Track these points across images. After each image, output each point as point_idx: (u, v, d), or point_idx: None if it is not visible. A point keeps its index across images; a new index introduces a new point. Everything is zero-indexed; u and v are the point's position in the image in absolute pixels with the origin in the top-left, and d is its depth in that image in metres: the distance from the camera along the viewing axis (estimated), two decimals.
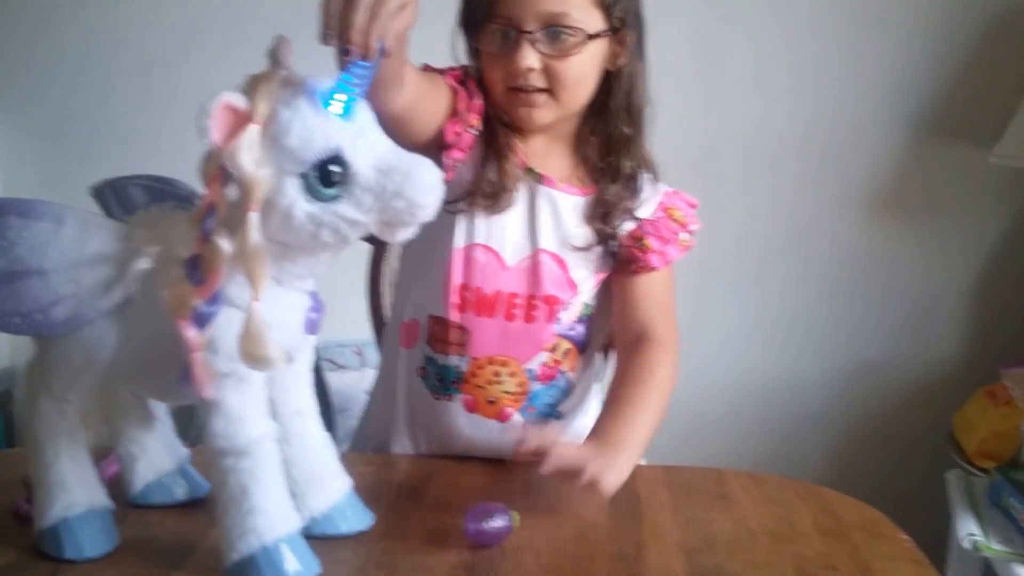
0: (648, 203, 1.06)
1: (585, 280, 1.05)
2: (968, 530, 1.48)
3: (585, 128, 1.05)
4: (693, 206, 1.08)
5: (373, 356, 1.95)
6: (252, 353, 0.70)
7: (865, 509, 0.94)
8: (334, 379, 1.79)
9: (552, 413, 1.07)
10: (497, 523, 0.84)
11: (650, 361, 1.01)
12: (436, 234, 1.02)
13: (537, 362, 1.04)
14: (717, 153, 1.92)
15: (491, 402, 1.04)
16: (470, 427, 1.05)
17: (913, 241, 1.97)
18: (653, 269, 1.05)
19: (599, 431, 0.95)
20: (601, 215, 1.03)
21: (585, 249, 1.03)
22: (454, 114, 1.00)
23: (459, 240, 1.03)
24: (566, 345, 1.05)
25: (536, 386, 1.05)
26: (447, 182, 1.02)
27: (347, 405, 1.74)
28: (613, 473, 0.88)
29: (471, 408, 1.05)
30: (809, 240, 1.99)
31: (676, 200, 1.07)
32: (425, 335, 1.06)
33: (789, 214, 1.97)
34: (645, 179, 1.07)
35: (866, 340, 2.02)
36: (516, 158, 1.03)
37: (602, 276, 1.06)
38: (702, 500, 0.96)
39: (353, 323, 1.44)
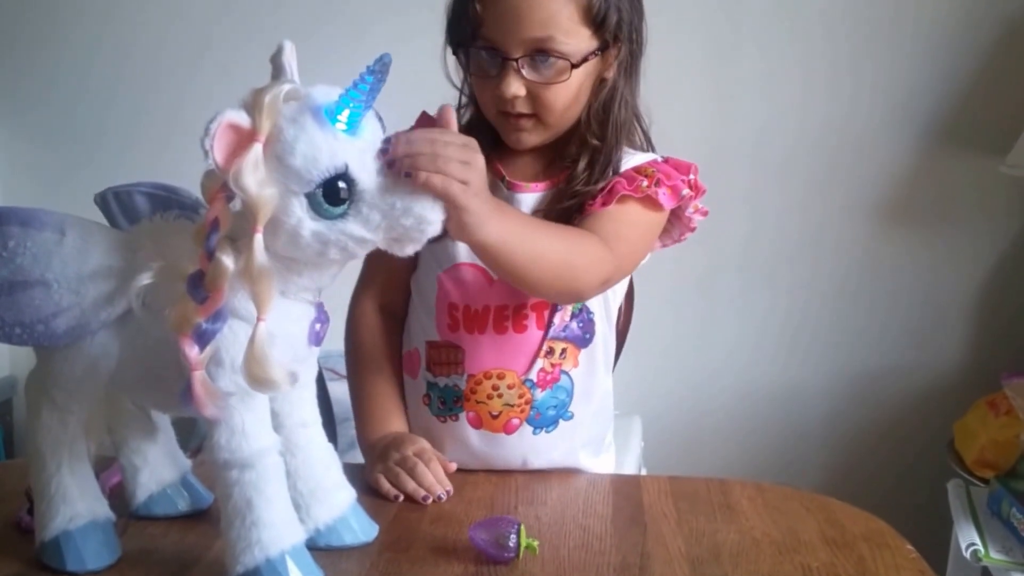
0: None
1: None
2: (968, 539, 1.48)
3: (571, 132, 1.03)
4: (685, 169, 1.02)
5: None
6: (257, 375, 0.70)
7: (870, 520, 0.94)
8: (335, 389, 1.77)
9: (562, 415, 1.06)
10: (507, 538, 0.83)
11: (587, 232, 0.95)
12: (425, 263, 1.06)
13: (535, 371, 1.03)
14: (725, 160, 1.92)
15: (495, 416, 1.04)
16: (480, 442, 1.05)
17: (917, 250, 1.98)
18: (586, 214, 0.98)
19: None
20: (557, 207, 1.00)
21: None
22: None
23: (443, 263, 1.04)
24: (561, 345, 1.04)
25: (538, 394, 1.04)
26: None
27: (348, 415, 1.73)
28: (460, 189, 0.75)
29: (476, 424, 1.05)
30: (814, 248, 1.99)
31: (660, 165, 1.01)
32: (424, 361, 1.07)
33: (796, 221, 1.98)
34: (627, 159, 1.02)
35: (869, 349, 2.02)
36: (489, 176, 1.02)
37: None
38: (707, 510, 0.95)
39: None
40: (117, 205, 0.83)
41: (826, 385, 2.05)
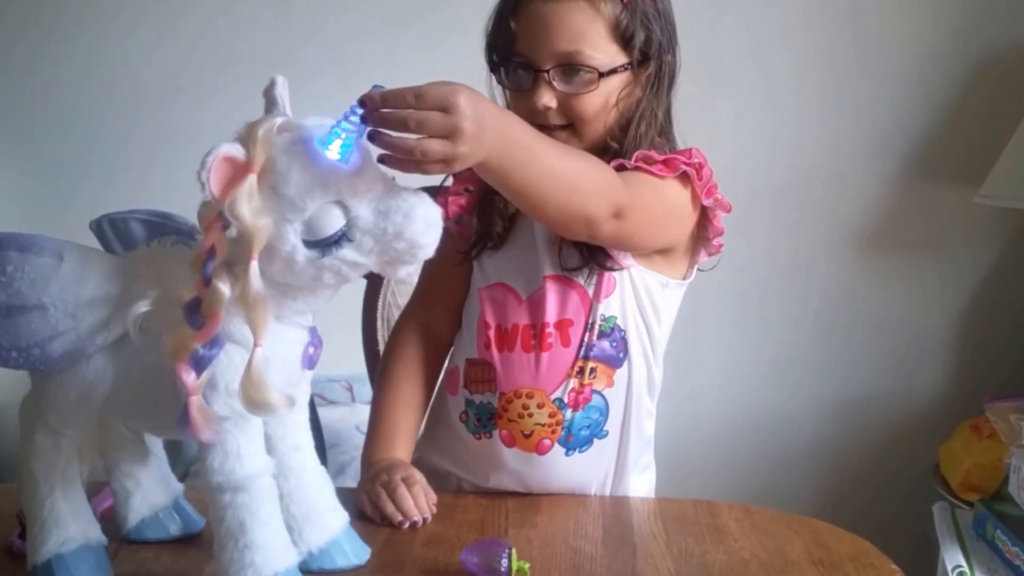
0: None
1: (592, 292, 1.03)
2: (955, 562, 1.49)
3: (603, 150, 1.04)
4: (685, 153, 1.01)
5: (363, 391, 1.95)
6: (255, 400, 0.71)
7: (856, 540, 0.95)
8: (323, 414, 1.78)
9: (596, 435, 1.06)
10: (498, 561, 0.84)
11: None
12: (473, 280, 1.09)
13: (565, 390, 1.04)
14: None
15: (527, 435, 1.05)
16: (514, 461, 1.05)
17: (901, 278, 2.00)
18: None
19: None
20: None
21: (576, 268, 1.03)
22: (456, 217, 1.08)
23: (480, 282, 1.07)
24: (591, 365, 1.04)
25: (570, 414, 1.04)
26: (463, 236, 1.06)
27: (337, 440, 1.74)
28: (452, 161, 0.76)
29: (509, 443, 1.05)
30: (801, 278, 2.01)
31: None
32: (462, 379, 1.08)
33: (783, 251, 2.00)
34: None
35: (855, 376, 2.04)
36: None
37: (610, 286, 1.04)
38: (695, 532, 0.96)
39: (342, 358, 1.44)
40: (112, 231, 0.84)
41: (813, 412, 2.06)
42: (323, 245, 0.72)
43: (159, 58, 2.04)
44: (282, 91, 0.77)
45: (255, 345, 0.71)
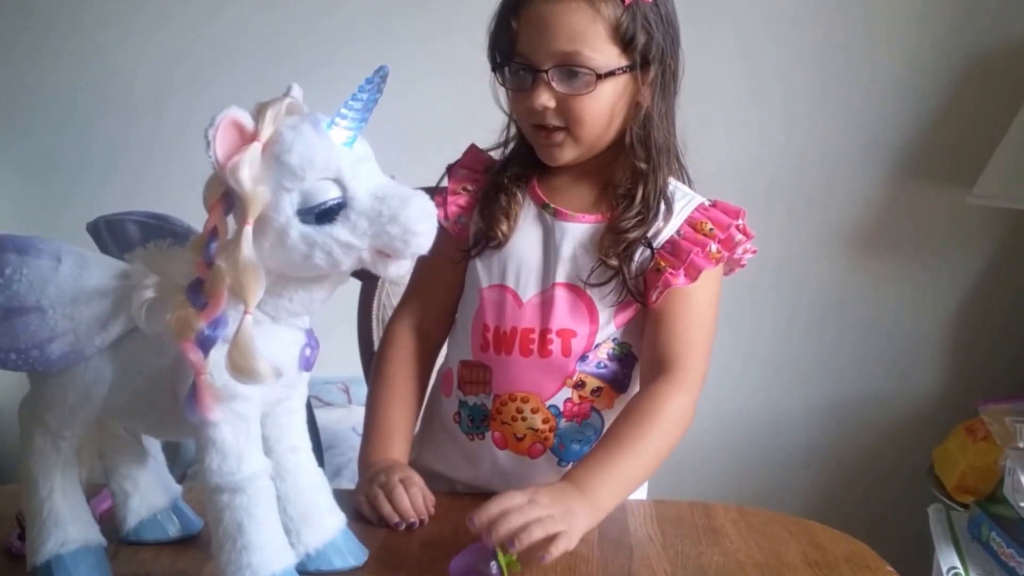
0: (672, 223, 1.04)
1: (605, 312, 1.04)
2: (950, 564, 1.50)
3: (613, 158, 1.05)
4: (735, 214, 1.04)
5: (359, 393, 1.95)
6: (240, 365, 0.70)
7: (851, 542, 0.95)
8: (320, 416, 1.78)
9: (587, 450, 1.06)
10: (487, 564, 0.84)
11: (658, 395, 0.98)
12: (471, 279, 1.09)
13: (560, 398, 1.04)
14: (710, 194, 1.95)
15: (519, 438, 1.05)
16: (507, 463, 1.06)
17: (893, 279, 2.01)
18: (669, 287, 1.02)
19: (576, 472, 0.93)
20: (612, 244, 1.02)
21: (598, 284, 1.03)
22: (454, 216, 1.09)
23: (487, 279, 1.07)
24: (596, 383, 1.05)
25: (564, 423, 1.05)
26: (461, 237, 1.07)
27: (334, 442, 1.74)
28: (564, 540, 0.84)
29: (501, 445, 1.06)
30: (795, 280, 2.02)
31: (710, 213, 1.04)
32: (456, 380, 1.09)
33: (775, 253, 1.99)
34: (678, 196, 1.05)
35: (849, 377, 2.05)
36: (513, 198, 1.06)
37: (629, 313, 1.05)
38: (691, 533, 0.96)
39: (338, 360, 1.44)
40: (108, 233, 0.85)
41: (807, 413, 2.07)
42: (317, 213, 0.71)
43: (153, 59, 2.04)
44: (296, 95, 0.77)
45: (245, 312, 0.70)
